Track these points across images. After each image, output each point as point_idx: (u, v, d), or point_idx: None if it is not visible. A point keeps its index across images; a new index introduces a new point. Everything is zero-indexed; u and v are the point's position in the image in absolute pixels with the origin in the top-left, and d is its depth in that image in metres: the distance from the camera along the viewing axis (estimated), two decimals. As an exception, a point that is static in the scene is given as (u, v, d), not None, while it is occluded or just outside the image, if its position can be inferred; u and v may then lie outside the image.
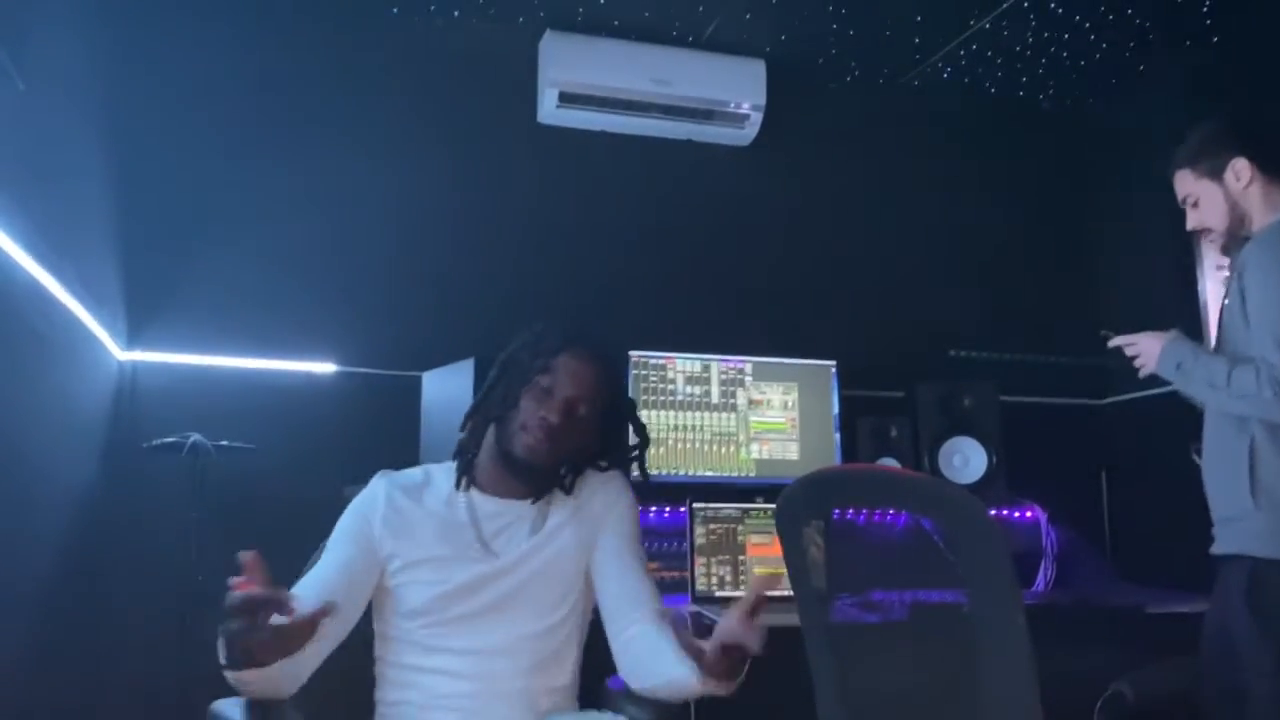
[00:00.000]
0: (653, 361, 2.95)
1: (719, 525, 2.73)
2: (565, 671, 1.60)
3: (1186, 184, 2.14)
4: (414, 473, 1.66)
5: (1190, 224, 2.19)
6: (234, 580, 1.18)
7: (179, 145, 2.82)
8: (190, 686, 1.88)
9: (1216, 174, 2.06)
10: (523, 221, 3.08)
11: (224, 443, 2.46)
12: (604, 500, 1.69)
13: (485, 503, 1.61)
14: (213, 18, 2.89)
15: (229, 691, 1.46)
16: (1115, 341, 2.22)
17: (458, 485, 1.62)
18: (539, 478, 1.62)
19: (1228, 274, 2.15)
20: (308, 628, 1.18)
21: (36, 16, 2.09)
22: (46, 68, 2.13)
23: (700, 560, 2.69)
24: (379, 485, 1.63)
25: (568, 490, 1.66)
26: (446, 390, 2.45)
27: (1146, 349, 2.13)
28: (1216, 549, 2.08)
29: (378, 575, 1.55)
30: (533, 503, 1.63)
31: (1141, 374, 2.18)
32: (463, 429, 1.65)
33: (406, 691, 1.52)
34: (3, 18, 1.87)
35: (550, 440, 1.55)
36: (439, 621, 1.52)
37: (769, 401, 3.03)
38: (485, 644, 1.52)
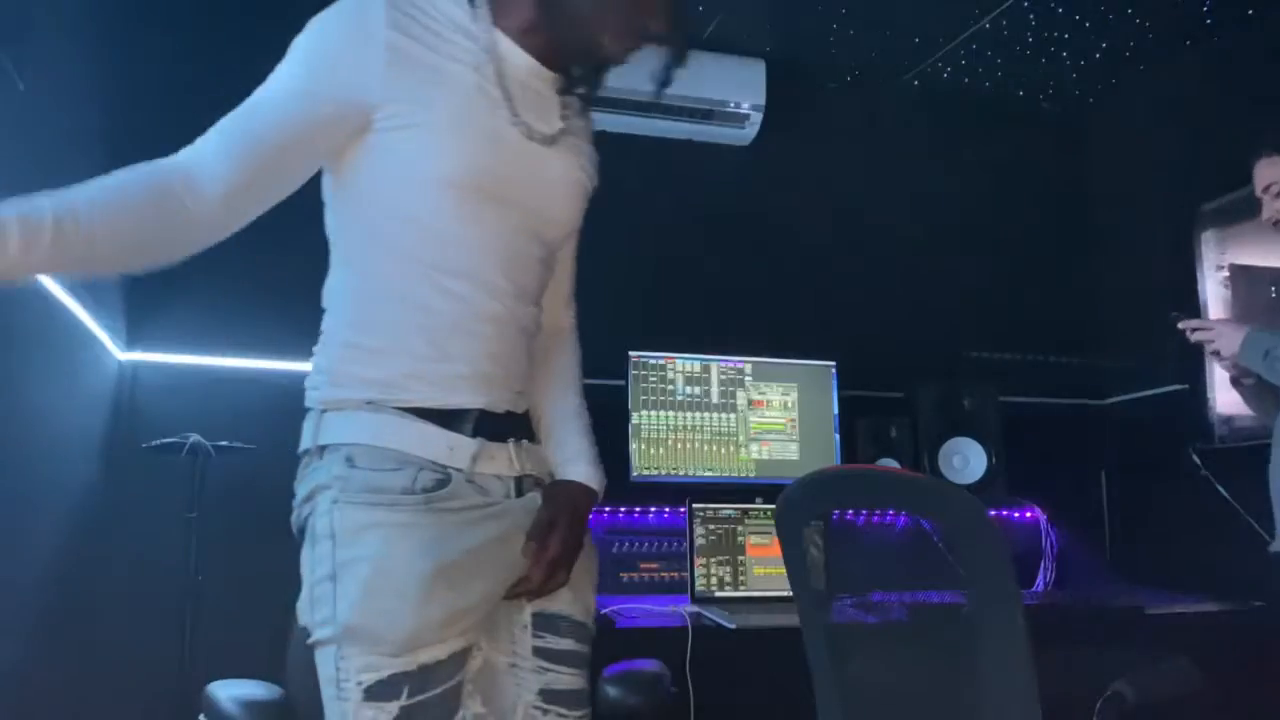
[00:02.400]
0: (652, 362, 2.95)
1: (718, 526, 2.73)
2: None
3: (1272, 171, 2.10)
4: None
5: (1267, 214, 2.16)
6: None
7: (178, 145, 2.81)
8: (189, 686, 1.88)
9: None
10: (522, 221, 3.08)
11: (223, 443, 2.45)
12: (593, 164, 1.40)
13: (514, 55, 1.23)
14: (213, 17, 2.89)
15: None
16: (1189, 324, 2.21)
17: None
18: (589, 71, 1.30)
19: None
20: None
21: (36, 17, 2.09)
22: (46, 68, 2.13)
23: (700, 560, 2.69)
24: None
25: (588, 100, 1.36)
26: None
27: (1226, 335, 2.13)
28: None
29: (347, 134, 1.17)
30: (558, 91, 1.29)
31: (1218, 361, 2.18)
32: None
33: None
34: (3, 18, 1.87)
35: (635, 47, 1.22)
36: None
37: (769, 402, 3.03)
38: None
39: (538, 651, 1.24)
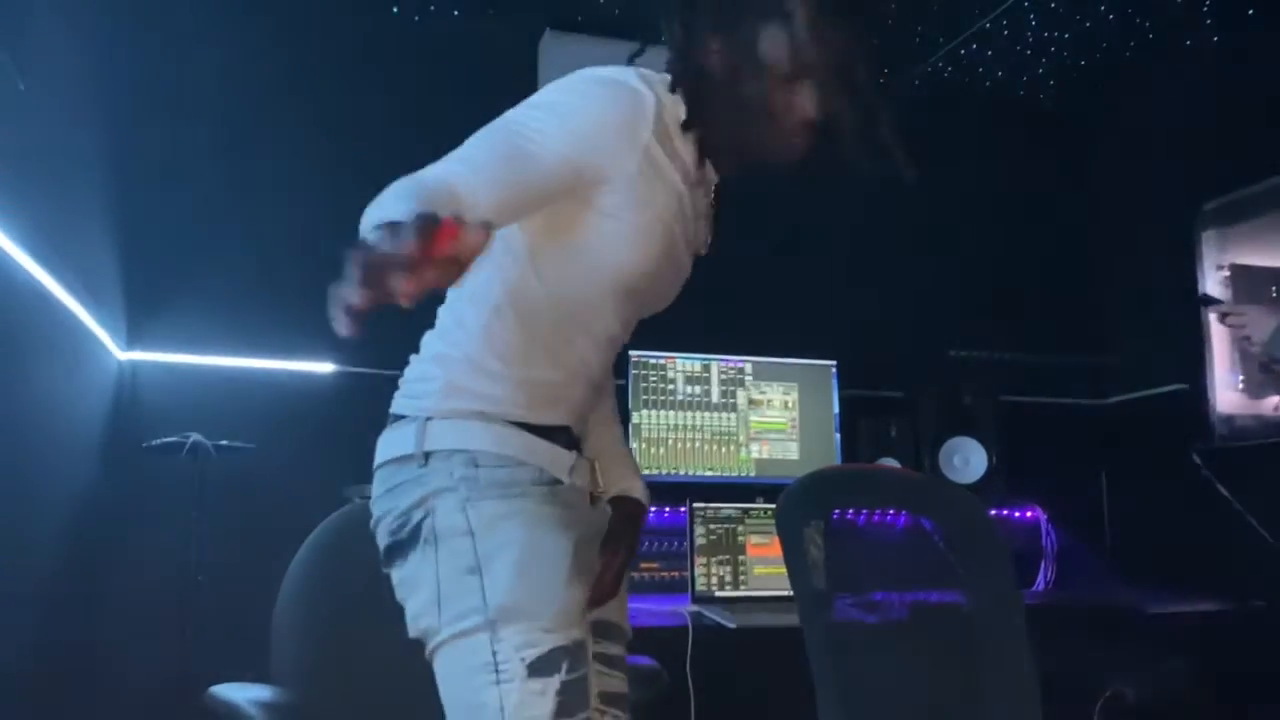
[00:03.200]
0: (652, 361, 2.95)
1: (719, 525, 2.73)
2: None
3: None
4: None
5: None
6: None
7: (178, 145, 2.82)
8: (190, 686, 1.88)
9: None
10: (523, 221, 3.08)
11: (224, 443, 2.46)
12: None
13: (690, 165, 1.29)
14: (212, 17, 2.89)
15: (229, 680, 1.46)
16: (1222, 309, 2.28)
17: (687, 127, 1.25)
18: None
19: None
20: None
21: (36, 16, 2.09)
22: (46, 68, 2.13)
23: (700, 560, 2.69)
24: (646, 98, 1.19)
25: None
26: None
27: (1258, 322, 2.20)
28: None
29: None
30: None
31: (1249, 346, 2.32)
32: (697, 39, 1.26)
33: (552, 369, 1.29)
34: (3, 18, 1.87)
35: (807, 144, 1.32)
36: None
37: (769, 401, 3.03)
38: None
39: (597, 657, 1.27)
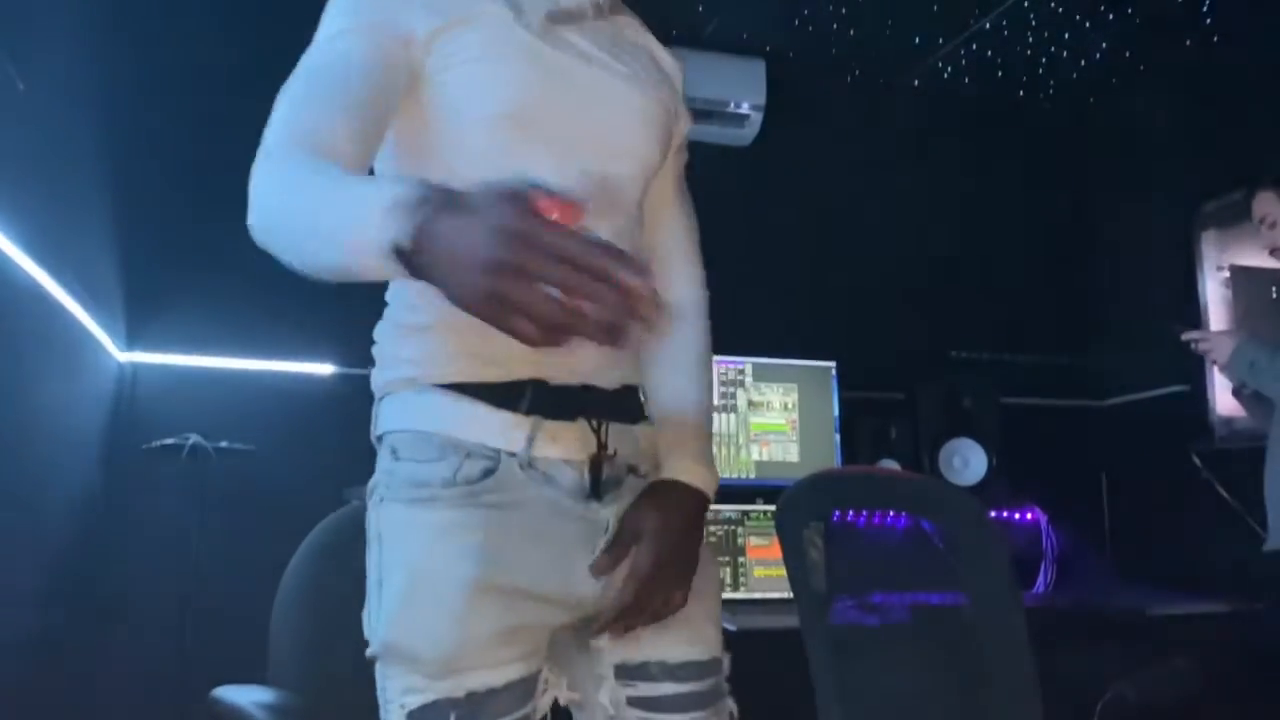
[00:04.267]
0: (653, 362, 2.94)
1: (719, 527, 2.73)
2: None
3: (1267, 205, 2.24)
4: None
5: (1265, 244, 2.30)
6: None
7: (178, 145, 2.81)
8: (191, 686, 1.88)
9: None
10: (522, 222, 3.08)
11: (223, 444, 2.46)
12: (681, 82, 1.22)
13: None
14: (213, 17, 2.89)
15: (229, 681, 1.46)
16: (1189, 335, 2.33)
17: None
18: None
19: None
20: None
21: (36, 17, 2.09)
22: (46, 68, 2.13)
23: (700, 561, 2.69)
24: None
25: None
26: (446, 391, 2.45)
27: (1221, 345, 2.26)
28: (1275, 544, 2.13)
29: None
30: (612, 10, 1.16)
31: (1216, 367, 2.31)
32: None
33: None
34: (3, 18, 1.87)
35: None
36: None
37: (769, 403, 3.02)
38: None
39: (634, 702, 1.06)
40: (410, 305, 1.06)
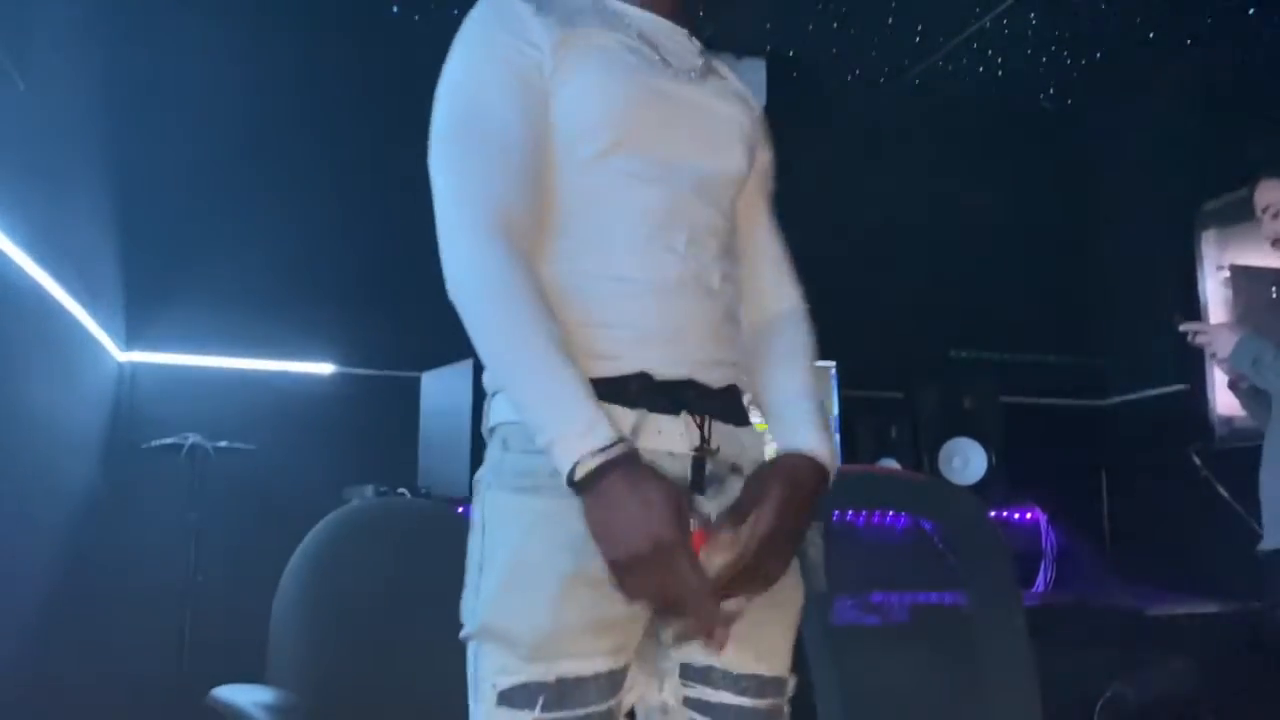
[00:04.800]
0: (652, 362, 2.94)
1: (719, 526, 2.73)
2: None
3: (1271, 193, 2.21)
4: None
5: (1268, 234, 2.26)
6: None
7: (178, 145, 2.81)
8: (190, 686, 1.88)
9: None
10: (522, 222, 3.08)
11: (223, 444, 2.46)
12: (759, 111, 1.28)
13: (639, 15, 1.21)
14: (213, 18, 2.89)
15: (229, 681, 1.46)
16: (1189, 327, 2.31)
17: None
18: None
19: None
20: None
21: (36, 16, 2.09)
22: (46, 68, 2.13)
23: (700, 561, 2.69)
24: None
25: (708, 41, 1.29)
26: (446, 391, 2.45)
27: (1222, 339, 2.24)
28: (1269, 544, 2.13)
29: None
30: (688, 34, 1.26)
31: (1216, 364, 2.27)
32: None
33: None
34: (3, 18, 1.87)
35: None
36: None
37: (769, 402, 3.02)
38: None
39: (690, 703, 1.07)
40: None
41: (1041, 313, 3.47)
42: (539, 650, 0.97)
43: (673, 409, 1.04)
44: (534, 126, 1.06)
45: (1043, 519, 3.21)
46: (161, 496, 2.50)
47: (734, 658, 1.05)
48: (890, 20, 3.06)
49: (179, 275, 2.77)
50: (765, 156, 1.29)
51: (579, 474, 0.91)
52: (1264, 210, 2.25)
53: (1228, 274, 3.04)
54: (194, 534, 2.42)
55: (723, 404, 1.09)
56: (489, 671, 0.99)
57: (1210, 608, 2.58)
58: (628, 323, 1.05)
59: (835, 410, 3.06)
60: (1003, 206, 3.51)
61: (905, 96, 3.48)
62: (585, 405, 0.94)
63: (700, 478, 1.04)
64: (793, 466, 1.05)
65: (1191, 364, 3.02)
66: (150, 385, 2.71)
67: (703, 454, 1.04)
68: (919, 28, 3.10)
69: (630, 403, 1.02)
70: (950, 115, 3.51)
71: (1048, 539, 3.19)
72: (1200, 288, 3.11)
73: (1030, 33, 3.09)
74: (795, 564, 1.10)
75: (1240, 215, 3.00)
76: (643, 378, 1.03)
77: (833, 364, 3.08)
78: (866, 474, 1.99)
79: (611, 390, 1.01)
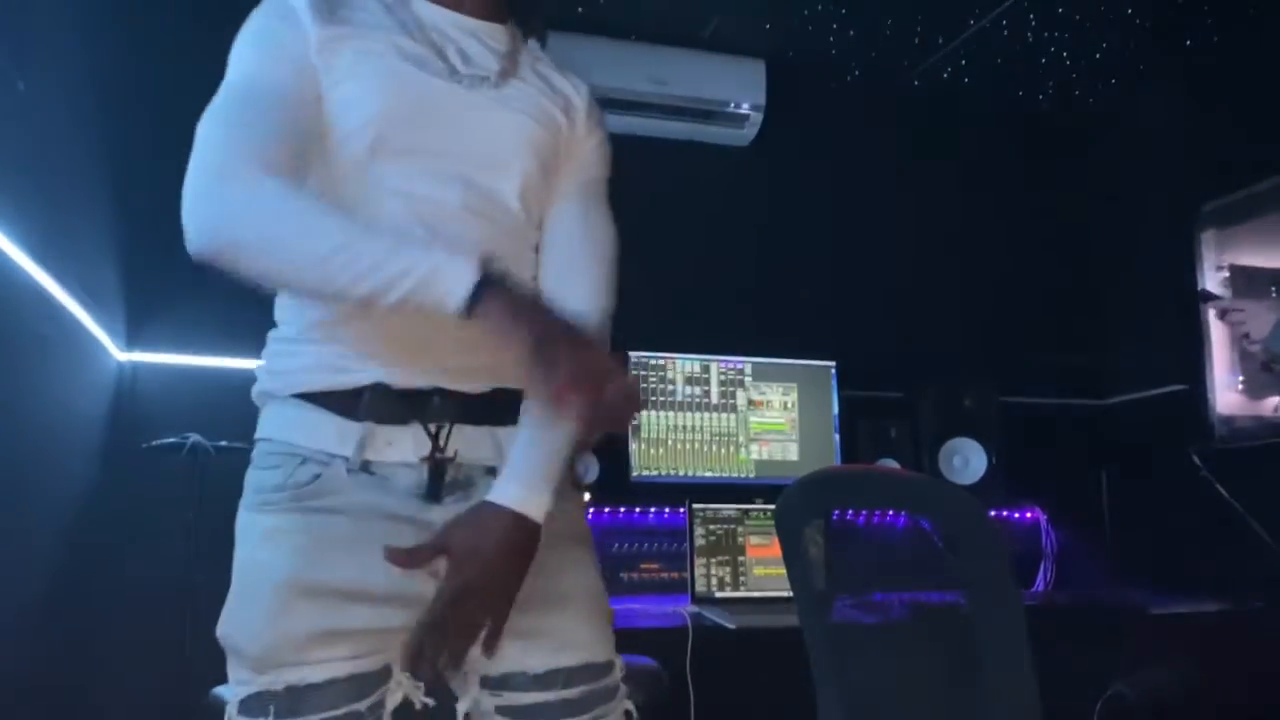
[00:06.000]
0: (652, 362, 2.95)
1: (718, 526, 2.73)
2: None
3: None
4: None
5: None
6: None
7: (179, 145, 2.80)
8: (190, 687, 1.88)
9: None
10: (522, 222, 3.08)
11: (223, 443, 2.46)
12: (584, 104, 1.26)
13: (430, 11, 1.19)
14: (213, 17, 2.88)
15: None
16: (1223, 304, 2.31)
17: None
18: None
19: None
20: None
21: (36, 16, 2.09)
22: (46, 68, 2.13)
23: (700, 561, 2.69)
24: None
25: (541, 35, 1.28)
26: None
27: (1259, 318, 2.24)
28: None
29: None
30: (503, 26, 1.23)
31: (1247, 344, 2.34)
32: None
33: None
34: (3, 18, 1.87)
35: None
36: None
37: (768, 402, 3.03)
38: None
39: (503, 710, 1.08)
40: (281, 318, 1.16)
41: (1041, 312, 3.47)
42: (264, 661, 1.01)
43: (403, 419, 1.06)
44: (301, 96, 1.08)
45: (1043, 519, 3.21)
46: (162, 496, 2.50)
47: (529, 659, 1.07)
48: (890, 20, 3.06)
49: (179, 274, 2.74)
50: (581, 156, 1.25)
51: (486, 285, 0.93)
52: None
53: (1227, 274, 3.03)
54: (194, 533, 2.42)
55: (482, 408, 1.09)
56: (233, 682, 1.05)
57: (1210, 607, 2.58)
58: (364, 336, 1.06)
59: (835, 409, 3.06)
60: (1003, 206, 3.51)
61: (905, 96, 3.48)
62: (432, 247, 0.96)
63: (437, 486, 1.06)
64: (480, 524, 1.01)
65: (1192, 364, 3.02)
66: (151, 385, 2.70)
67: (439, 462, 1.06)
68: (919, 28, 3.10)
69: (358, 416, 1.05)
70: (950, 115, 3.51)
71: (1048, 539, 3.20)
72: (1200, 288, 3.10)
73: (1030, 33, 3.09)
74: (571, 554, 1.12)
75: (1240, 215, 3.01)
76: (376, 388, 1.06)
77: (832, 364, 3.09)
78: (866, 473, 1.99)
79: (345, 403, 1.05)
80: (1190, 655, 2.28)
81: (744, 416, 3.00)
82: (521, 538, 1.02)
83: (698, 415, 2.96)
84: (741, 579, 2.70)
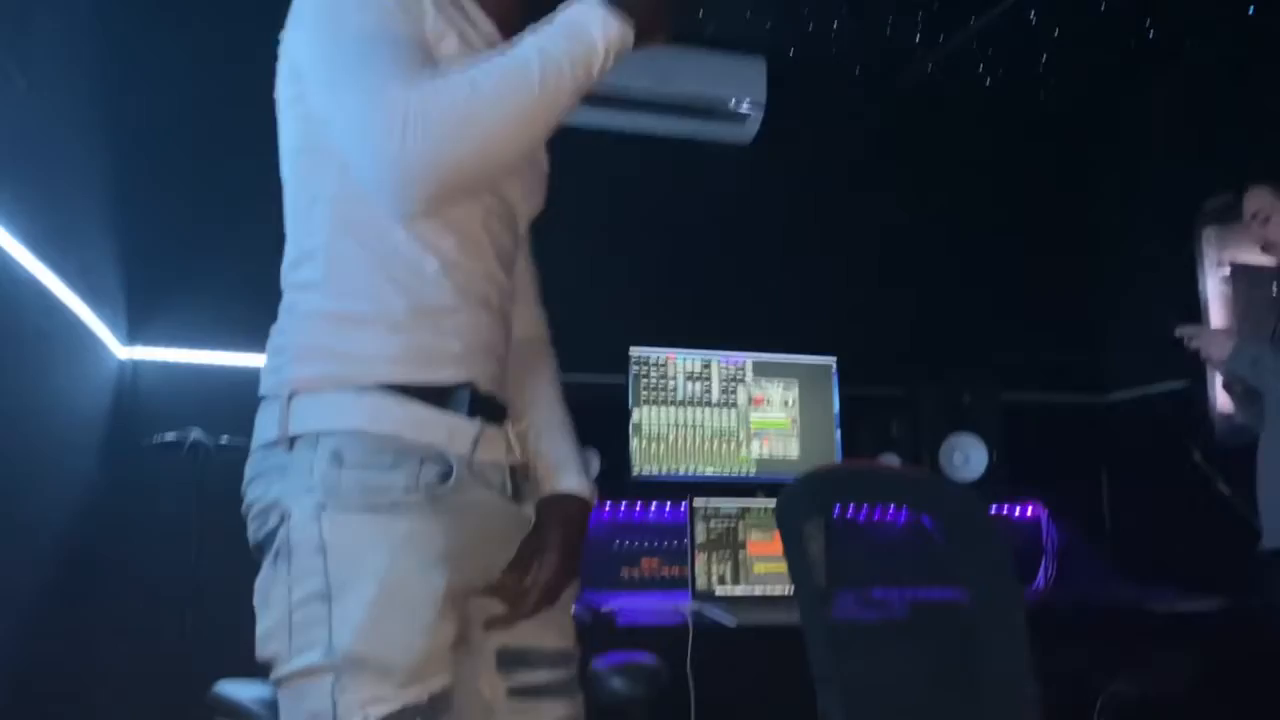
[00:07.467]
0: (653, 359, 2.95)
1: (719, 522, 2.74)
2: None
3: (1259, 200, 2.27)
4: None
5: (1256, 239, 2.32)
6: None
7: (178, 143, 2.81)
8: (192, 682, 1.88)
9: None
10: (523, 219, 3.08)
11: (225, 440, 2.46)
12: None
13: (484, 22, 1.19)
14: (213, 16, 2.89)
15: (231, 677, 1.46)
16: (1184, 331, 2.35)
17: None
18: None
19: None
20: None
21: (36, 16, 2.09)
22: (47, 67, 2.13)
23: (701, 557, 2.69)
24: None
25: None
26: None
27: (1217, 342, 2.29)
28: (1270, 544, 2.15)
29: None
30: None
31: (1211, 366, 2.39)
32: None
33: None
34: (3, 18, 1.87)
35: None
36: None
37: (769, 399, 3.03)
38: None
39: (513, 692, 1.11)
40: (333, 292, 1.04)
41: (1042, 309, 3.47)
42: (415, 673, 0.95)
43: (497, 420, 1.11)
44: (427, 53, 1.05)
45: (1043, 515, 3.22)
46: (163, 493, 2.50)
47: (546, 636, 1.15)
48: (891, 18, 3.06)
49: (179, 271, 2.78)
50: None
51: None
52: (1252, 216, 2.29)
53: (1228, 272, 3.04)
54: (196, 530, 2.42)
55: (503, 411, 1.16)
56: (357, 703, 0.93)
57: (1210, 605, 2.58)
58: (456, 331, 1.06)
59: (836, 406, 3.07)
60: (1003, 205, 3.51)
61: (905, 96, 3.48)
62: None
63: (520, 484, 1.15)
64: (568, 516, 1.16)
65: (1192, 361, 3.02)
66: (152, 381, 2.71)
67: (517, 463, 1.14)
68: (919, 28, 3.10)
69: (469, 413, 1.06)
70: (950, 114, 3.51)
71: (1048, 536, 3.20)
72: (1200, 286, 3.11)
73: (1030, 33, 3.09)
74: None
75: (1240, 215, 3.01)
76: (471, 388, 1.07)
77: (833, 360, 3.09)
78: (867, 469, 1.99)
79: (444, 399, 1.04)
80: (1190, 654, 2.28)
81: (745, 413, 3.00)
82: (587, 519, 1.20)
83: (699, 412, 2.96)
84: (742, 575, 2.70)
